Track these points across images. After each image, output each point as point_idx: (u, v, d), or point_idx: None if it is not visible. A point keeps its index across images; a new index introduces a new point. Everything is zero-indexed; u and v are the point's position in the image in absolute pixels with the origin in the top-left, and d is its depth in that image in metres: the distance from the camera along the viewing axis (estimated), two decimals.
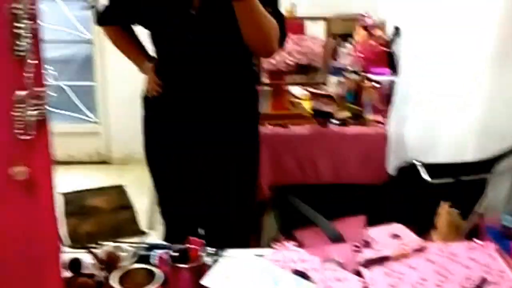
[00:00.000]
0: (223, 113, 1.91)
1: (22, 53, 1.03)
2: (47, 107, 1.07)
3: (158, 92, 1.93)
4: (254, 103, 2.01)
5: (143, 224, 3.15)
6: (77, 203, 3.34)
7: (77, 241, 2.76)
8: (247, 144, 2.00)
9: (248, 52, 1.85)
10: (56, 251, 1.14)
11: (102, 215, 3.24)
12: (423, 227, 1.52)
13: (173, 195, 2.05)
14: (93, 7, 3.80)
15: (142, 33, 1.99)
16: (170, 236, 2.07)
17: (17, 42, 1.02)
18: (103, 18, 2.04)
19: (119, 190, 3.56)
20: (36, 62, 1.04)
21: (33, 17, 1.02)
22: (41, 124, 1.07)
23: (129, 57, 2.07)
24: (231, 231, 2.02)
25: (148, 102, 2.00)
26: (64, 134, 3.75)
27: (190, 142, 1.94)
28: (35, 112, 1.06)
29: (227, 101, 1.90)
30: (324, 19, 2.48)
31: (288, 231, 2.13)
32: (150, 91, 1.95)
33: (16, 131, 1.05)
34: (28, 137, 1.06)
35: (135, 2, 1.88)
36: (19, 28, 1.02)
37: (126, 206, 3.35)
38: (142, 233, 3.01)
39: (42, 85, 1.05)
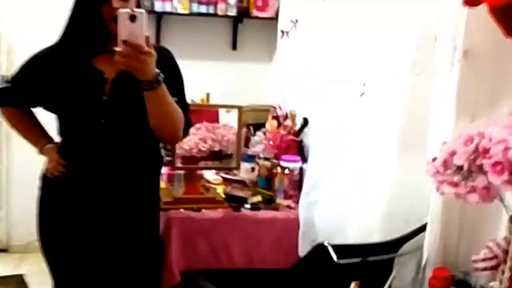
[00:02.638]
0: (122, 196, 1.90)
1: None
2: None
3: (60, 172, 1.90)
4: (156, 189, 2.03)
5: None
6: None
7: None
8: (147, 230, 1.99)
9: (156, 138, 1.89)
10: None
11: None
12: None
13: (68, 283, 1.94)
14: None
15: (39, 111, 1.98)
16: None
17: None
18: (2, 99, 1.99)
19: (18, 280, 3.33)
20: None
21: None
22: None
23: (26, 137, 2.04)
24: None
25: (47, 182, 1.96)
26: None
27: (86, 226, 1.89)
28: None
29: (128, 185, 1.91)
30: (238, 108, 2.56)
31: None
32: (52, 171, 1.92)
33: None
34: None
35: (41, 87, 1.87)
36: None
37: None
38: None
39: None
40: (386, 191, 1.97)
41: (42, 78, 1.86)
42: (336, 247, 1.69)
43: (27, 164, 3.45)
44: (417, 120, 1.86)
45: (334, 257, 1.65)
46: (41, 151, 1.97)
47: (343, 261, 1.65)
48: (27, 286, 3.29)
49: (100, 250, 1.90)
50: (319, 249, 1.73)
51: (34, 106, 2.00)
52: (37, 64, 1.90)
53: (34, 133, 2.02)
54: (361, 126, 2.14)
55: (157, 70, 1.66)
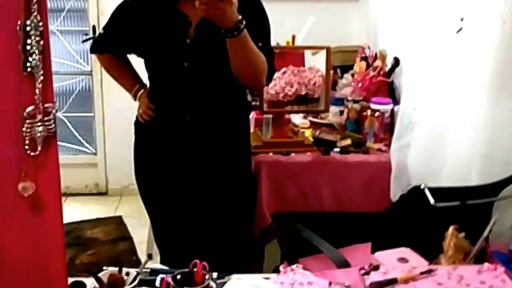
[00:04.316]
0: (214, 140, 1.92)
1: (31, 69, 1.03)
2: (55, 124, 1.07)
3: (151, 117, 1.93)
4: (245, 131, 2.03)
5: (142, 255, 3.11)
6: (74, 234, 3.30)
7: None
8: (239, 170, 2.00)
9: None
10: (62, 265, 1.12)
11: (100, 246, 3.19)
12: (431, 251, 1.50)
13: (165, 223, 2.04)
14: (92, 38, 3.85)
15: (134, 59, 2.01)
16: (166, 265, 2.04)
17: (28, 58, 1.03)
18: (96, 46, 2.07)
19: (117, 221, 3.53)
20: (45, 77, 1.04)
21: (42, 34, 1.03)
22: (49, 140, 1.07)
23: (121, 83, 2.10)
24: (229, 259, 1.99)
25: (140, 127, 2.00)
26: (62, 166, 3.73)
27: (180, 169, 1.94)
28: (43, 128, 1.05)
29: (218, 128, 1.92)
30: (326, 49, 2.49)
31: (292, 258, 2.10)
32: (142, 116, 1.96)
33: (25, 146, 1.04)
34: (35, 153, 1.05)
35: (129, 32, 1.90)
36: (29, 44, 1.02)
37: (124, 237, 3.31)
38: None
39: (51, 101, 1.05)
40: (483, 133, 1.87)
41: (130, 23, 1.89)
42: (433, 190, 1.64)
43: (120, 111, 3.62)
44: None
45: (431, 200, 1.59)
46: (135, 96, 2.03)
47: (440, 205, 1.59)
48: (126, 226, 3.49)
49: (196, 192, 1.95)
50: (415, 192, 1.68)
51: (127, 52, 2.04)
52: (125, 10, 1.93)
53: (128, 79, 2.07)
54: (458, 64, 2.02)
55: (238, 18, 1.64)
